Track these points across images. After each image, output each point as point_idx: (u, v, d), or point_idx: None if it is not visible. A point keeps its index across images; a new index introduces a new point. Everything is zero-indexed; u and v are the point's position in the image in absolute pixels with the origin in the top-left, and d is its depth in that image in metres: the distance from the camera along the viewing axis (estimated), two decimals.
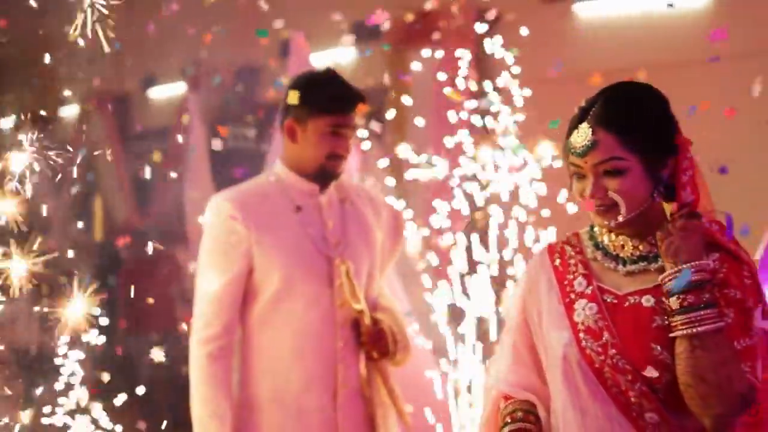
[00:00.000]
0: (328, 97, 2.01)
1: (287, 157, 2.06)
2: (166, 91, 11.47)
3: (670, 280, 1.50)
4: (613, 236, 1.64)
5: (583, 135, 1.56)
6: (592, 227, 1.70)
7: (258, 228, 1.95)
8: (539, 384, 1.68)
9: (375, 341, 2.03)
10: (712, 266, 1.53)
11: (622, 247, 1.62)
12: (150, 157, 9.92)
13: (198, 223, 4.75)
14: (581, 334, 1.56)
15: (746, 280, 1.55)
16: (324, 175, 2.04)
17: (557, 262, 1.68)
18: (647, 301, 1.56)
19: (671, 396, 1.51)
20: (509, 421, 1.65)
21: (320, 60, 9.21)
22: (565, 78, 5.30)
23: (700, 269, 1.48)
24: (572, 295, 1.61)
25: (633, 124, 1.56)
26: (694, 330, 1.44)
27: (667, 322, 1.51)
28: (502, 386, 1.71)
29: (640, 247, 1.61)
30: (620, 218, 1.56)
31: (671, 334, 1.50)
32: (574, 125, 1.60)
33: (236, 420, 2.06)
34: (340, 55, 8.69)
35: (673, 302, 1.48)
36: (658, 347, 1.51)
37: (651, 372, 1.51)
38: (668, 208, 1.61)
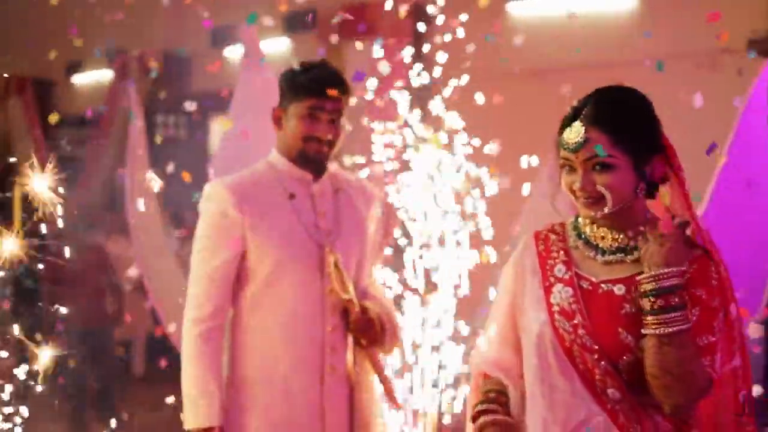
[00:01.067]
0: (302, 81, 2.10)
1: (278, 145, 2.18)
2: (89, 78, 11.16)
3: (645, 282, 1.60)
4: (595, 228, 1.74)
5: (576, 132, 1.65)
6: (576, 218, 1.81)
7: (252, 214, 2.04)
8: (515, 362, 1.80)
9: (363, 329, 2.11)
10: (685, 269, 1.61)
11: (603, 238, 1.72)
12: (75, 143, 9.64)
13: (140, 212, 4.65)
14: (556, 315, 1.68)
15: (713, 281, 1.66)
16: (305, 158, 2.12)
17: (541, 247, 1.79)
18: (619, 289, 1.67)
19: (632, 375, 1.62)
20: (483, 400, 1.77)
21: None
22: (498, 75, 5.39)
23: (672, 275, 1.57)
24: (552, 279, 1.73)
25: (623, 125, 1.65)
26: (664, 331, 1.55)
27: (634, 310, 1.63)
28: (482, 365, 1.84)
29: (619, 239, 1.71)
30: (606, 210, 1.66)
31: (643, 331, 1.60)
32: (566, 123, 1.69)
33: (225, 399, 2.10)
34: (272, 46, 8.61)
35: (646, 303, 1.59)
36: (625, 332, 1.62)
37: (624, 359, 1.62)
38: (666, 196, 1.73)
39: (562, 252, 1.75)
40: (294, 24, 8.10)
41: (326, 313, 2.08)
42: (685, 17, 5.32)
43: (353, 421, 2.14)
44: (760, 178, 3.52)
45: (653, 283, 1.57)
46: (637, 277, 1.63)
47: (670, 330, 1.54)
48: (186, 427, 2.05)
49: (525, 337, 1.75)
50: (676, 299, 1.56)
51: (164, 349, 7.15)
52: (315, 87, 2.06)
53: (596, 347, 1.63)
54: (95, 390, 5.69)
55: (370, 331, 2.11)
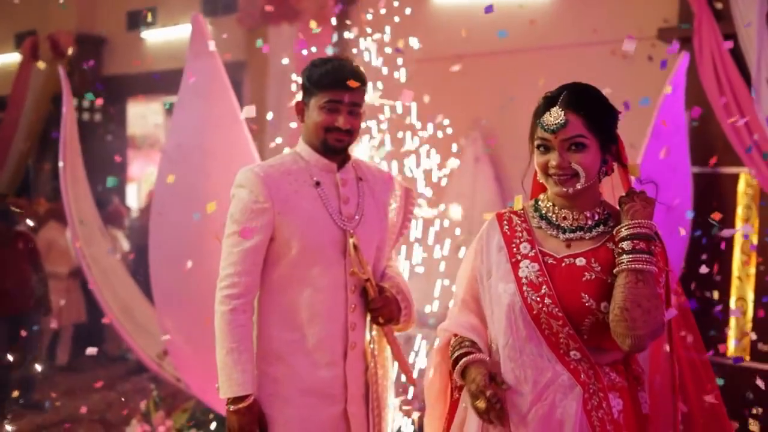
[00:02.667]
0: (320, 75, 2.18)
1: (303, 136, 2.28)
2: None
3: (628, 228, 1.80)
4: (557, 209, 1.92)
5: (555, 115, 1.82)
6: (536, 201, 1.99)
7: (280, 201, 2.15)
8: (481, 327, 1.98)
9: (381, 308, 2.24)
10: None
11: (564, 218, 1.91)
12: None
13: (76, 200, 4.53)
14: (524, 287, 1.86)
15: (657, 249, 1.86)
16: (327, 148, 2.22)
17: (505, 227, 1.97)
18: (580, 261, 1.85)
19: (592, 337, 1.82)
20: (461, 345, 1.93)
21: (172, 34, 8.95)
22: (419, 60, 5.48)
23: (650, 227, 1.81)
24: (518, 256, 1.90)
25: (596, 112, 1.83)
26: (641, 267, 1.75)
27: (594, 277, 1.82)
28: (453, 327, 2.00)
29: (579, 219, 1.89)
30: (578, 186, 1.83)
31: (617, 270, 1.79)
32: (544, 109, 1.86)
33: (256, 370, 2.22)
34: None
35: (626, 245, 1.79)
36: (587, 296, 1.80)
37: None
38: (635, 169, 1.91)
39: (525, 232, 1.93)
40: (214, 7, 7.98)
41: (348, 294, 2.21)
42: (599, 7, 5.53)
43: (369, 393, 2.29)
44: (678, 157, 3.71)
45: (638, 228, 1.78)
46: (617, 229, 1.82)
47: (646, 267, 1.75)
48: (221, 396, 2.15)
49: (495, 307, 1.91)
50: (651, 246, 1.78)
51: (91, 338, 7.02)
52: (332, 80, 2.16)
53: (561, 314, 1.81)
54: (18, 377, 5.56)
55: (387, 310, 2.25)
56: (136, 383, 6.36)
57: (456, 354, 1.90)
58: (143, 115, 10.96)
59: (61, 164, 4.40)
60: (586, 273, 1.81)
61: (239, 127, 3.41)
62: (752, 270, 4.62)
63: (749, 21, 4.37)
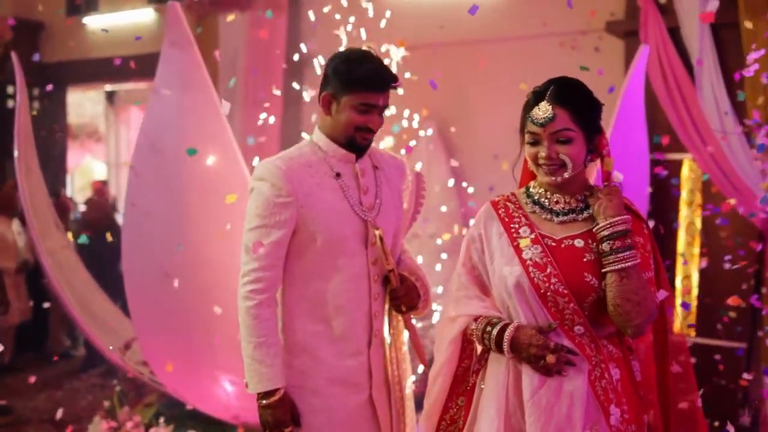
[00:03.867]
0: (363, 76, 2.14)
1: (323, 127, 2.26)
2: None
3: (602, 230, 1.92)
4: (549, 194, 2.04)
5: (544, 110, 1.93)
6: (527, 188, 2.10)
7: (303, 193, 2.14)
8: (495, 306, 2.07)
9: (403, 296, 2.28)
10: (629, 217, 1.95)
11: (557, 202, 2.03)
12: None
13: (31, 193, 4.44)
14: (530, 269, 1.96)
15: (645, 231, 2.03)
16: (352, 145, 2.23)
17: (502, 214, 2.07)
18: (578, 243, 1.97)
19: (594, 312, 1.94)
20: (493, 322, 2.00)
21: (120, 19, 8.77)
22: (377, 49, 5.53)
23: (622, 222, 1.91)
24: (519, 240, 2.01)
25: (581, 105, 1.95)
26: (622, 266, 1.88)
27: (593, 258, 1.94)
28: (474, 311, 2.07)
29: (571, 203, 2.02)
30: (566, 175, 1.96)
31: (603, 270, 1.92)
32: (532, 104, 1.97)
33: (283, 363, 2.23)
34: (139, 16, 8.34)
35: (605, 246, 1.92)
36: (589, 275, 1.92)
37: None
38: (609, 163, 2.03)
39: (522, 217, 2.04)
40: None
41: (371, 283, 2.24)
42: (549, 0, 5.69)
43: (389, 378, 2.34)
44: (639, 145, 3.89)
45: (610, 229, 1.90)
46: (594, 229, 1.95)
47: (628, 265, 1.87)
48: (251, 391, 2.14)
49: (501, 288, 2.01)
50: (628, 240, 1.89)
51: (34, 337, 6.86)
52: (372, 83, 2.14)
53: (566, 291, 1.92)
54: None
55: (408, 298, 2.29)
56: (84, 381, 6.29)
57: (496, 330, 1.97)
58: (80, 104, 10.71)
59: (16, 154, 4.32)
60: (586, 254, 1.94)
61: (219, 117, 3.41)
62: (696, 250, 4.90)
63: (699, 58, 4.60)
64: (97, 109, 10.87)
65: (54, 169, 8.71)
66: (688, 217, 4.99)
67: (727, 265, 4.11)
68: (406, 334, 2.43)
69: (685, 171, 4.99)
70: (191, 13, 7.08)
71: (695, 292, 4.89)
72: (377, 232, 2.19)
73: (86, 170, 11.41)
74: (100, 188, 8.05)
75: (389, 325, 2.31)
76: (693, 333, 4.76)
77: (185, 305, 3.49)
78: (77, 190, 11.00)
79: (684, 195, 4.98)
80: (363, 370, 2.24)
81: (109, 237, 4.50)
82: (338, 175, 2.20)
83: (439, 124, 6.07)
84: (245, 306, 2.13)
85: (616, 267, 1.88)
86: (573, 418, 1.87)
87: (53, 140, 8.73)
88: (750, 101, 4.47)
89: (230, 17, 6.49)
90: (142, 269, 3.53)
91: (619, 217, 1.90)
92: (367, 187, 2.23)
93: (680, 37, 4.90)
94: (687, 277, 4.90)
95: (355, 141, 2.20)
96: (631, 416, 1.94)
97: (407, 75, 4.84)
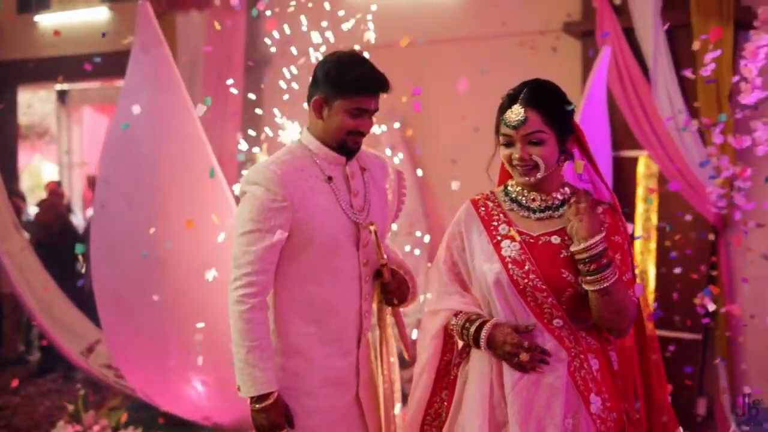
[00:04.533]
0: (355, 80, 2.16)
1: (314, 130, 2.27)
2: None
3: (578, 254, 1.97)
4: (526, 192, 2.11)
5: (516, 113, 2.01)
6: (506, 187, 2.17)
7: (297, 197, 2.15)
8: (475, 302, 2.15)
9: (395, 290, 2.33)
10: (604, 228, 2.00)
11: (533, 200, 2.11)
12: None
13: None
14: (509, 265, 2.03)
15: (622, 227, 2.10)
16: (344, 148, 2.25)
17: (482, 212, 2.15)
18: (555, 239, 2.05)
19: (572, 306, 2.02)
20: (472, 319, 2.07)
21: (72, 18, 8.61)
22: (331, 50, 5.55)
23: (597, 243, 1.95)
24: (498, 237, 2.08)
25: (552, 108, 2.02)
26: (600, 286, 1.95)
27: (570, 254, 2.00)
28: (455, 306, 2.14)
29: (547, 200, 2.10)
30: (539, 175, 2.03)
31: (584, 287, 1.98)
32: (506, 106, 2.04)
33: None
34: (93, 14, 8.20)
35: (582, 268, 1.97)
36: (566, 271, 2.00)
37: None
38: (579, 165, 2.11)
39: (501, 215, 2.11)
40: None
41: (362, 284, 2.26)
42: (507, 1, 5.80)
43: (374, 375, 2.37)
44: (602, 144, 3.98)
45: (585, 253, 1.95)
46: (571, 250, 1.99)
47: (606, 284, 1.94)
48: (243, 395, 2.13)
49: (482, 284, 2.08)
50: (604, 260, 1.95)
51: None
52: (365, 87, 2.15)
53: (544, 287, 2.00)
54: None
55: (400, 291, 2.34)
56: (41, 386, 6.17)
57: (474, 327, 2.04)
58: (30, 104, 10.48)
59: None
60: (563, 251, 2.00)
61: (191, 118, 3.39)
62: (653, 245, 5.04)
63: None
64: (48, 109, 10.65)
65: (10, 170, 8.54)
66: (644, 214, 5.13)
67: (678, 268, 4.28)
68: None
69: (641, 168, 5.13)
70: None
71: (652, 286, 5.03)
72: (372, 228, 2.22)
73: (35, 171, 11.17)
74: (54, 189, 7.90)
75: (379, 318, 2.36)
76: (651, 325, 4.89)
77: (156, 307, 3.48)
78: (26, 190, 10.77)
79: (640, 192, 5.12)
80: (351, 370, 2.27)
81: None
82: (330, 178, 2.21)
83: (400, 124, 6.12)
84: (238, 310, 2.12)
85: (595, 287, 1.94)
86: (553, 408, 1.95)
87: (6, 140, 8.54)
88: (703, 100, 4.64)
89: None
90: (111, 271, 3.50)
91: (593, 240, 1.94)
92: (357, 189, 2.26)
93: (635, 38, 5.05)
94: (644, 271, 5.04)
95: (347, 144, 2.22)
96: (613, 404, 2.02)
97: None
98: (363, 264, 2.24)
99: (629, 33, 5.11)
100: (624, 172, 5.15)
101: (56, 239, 6.64)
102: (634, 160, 5.16)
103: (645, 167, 5.13)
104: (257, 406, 2.12)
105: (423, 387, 2.21)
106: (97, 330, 4.76)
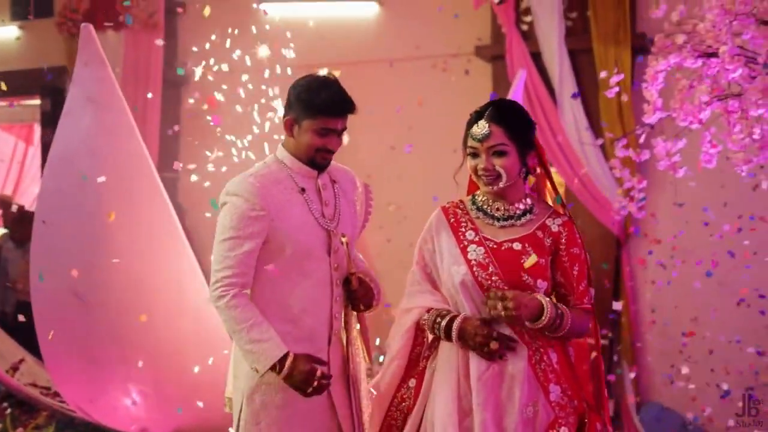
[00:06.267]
0: (321, 103, 2.34)
1: (288, 146, 2.47)
2: None
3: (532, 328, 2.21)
4: (491, 202, 2.32)
5: (482, 127, 2.23)
6: (473, 196, 2.38)
7: (273, 208, 2.34)
8: (445, 300, 2.34)
9: (363, 296, 2.48)
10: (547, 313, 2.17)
11: (498, 209, 2.31)
12: None
13: None
14: (474, 268, 2.24)
15: (578, 237, 2.31)
16: (313, 164, 2.44)
17: (452, 219, 2.35)
18: (516, 246, 2.25)
19: None
20: (442, 315, 2.27)
21: None
22: (253, 69, 5.67)
23: (541, 322, 2.16)
24: (465, 242, 2.29)
25: (515, 123, 2.25)
26: (559, 334, 2.21)
27: (530, 259, 2.22)
28: (427, 303, 2.34)
29: (510, 210, 2.30)
30: (501, 184, 2.24)
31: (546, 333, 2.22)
32: (472, 122, 2.27)
33: None
34: (2, 33, 8.01)
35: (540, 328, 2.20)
36: (526, 275, 2.22)
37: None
38: (531, 180, 2.36)
39: (468, 222, 2.32)
40: (25, 11, 7.61)
41: (333, 287, 2.43)
42: (421, 25, 6.06)
43: (348, 372, 2.50)
44: None
45: (539, 329, 2.18)
46: (528, 326, 2.19)
47: (561, 334, 2.21)
48: (262, 370, 2.26)
49: (450, 285, 2.28)
50: (557, 321, 2.17)
51: None
52: (330, 109, 2.33)
53: (506, 288, 2.20)
54: None
55: (368, 297, 2.49)
56: None
57: (445, 321, 2.22)
58: None
59: None
60: (523, 256, 2.21)
61: (134, 135, 3.53)
62: None
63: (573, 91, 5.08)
64: None
65: None
66: None
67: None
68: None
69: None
70: (62, 31, 6.95)
71: None
72: (344, 239, 2.42)
73: None
74: None
75: (346, 323, 2.53)
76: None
77: (96, 320, 3.56)
78: None
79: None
80: (322, 368, 2.40)
81: None
82: (303, 190, 2.41)
83: None
84: (222, 304, 2.29)
85: (555, 335, 2.20)
86: (513, 396, 2.16)
87: None
88: (605, 118, 5.01)
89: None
90: (51, 285, 3.54)
91: (536, 322, 2.15)
92: (328, 200, 2.45)
93: (542, 62, 5.39)
94: None
95: (315, 161, 2.42)
96: (573, 393, 2.24)
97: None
98: (334, 268, 2.42)
99: (536, 57, 5.46)
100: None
101: None
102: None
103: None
104: (282, 373, 2.26)
105: (393, 372, 2.38)
106: (21, 349, 4.78)
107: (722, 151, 3.17)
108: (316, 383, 2.27)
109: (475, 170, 2.25)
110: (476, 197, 2.35)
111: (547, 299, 2.17)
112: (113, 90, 3.53)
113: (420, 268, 2.38)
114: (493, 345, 2.15)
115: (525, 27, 5.55)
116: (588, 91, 5.27)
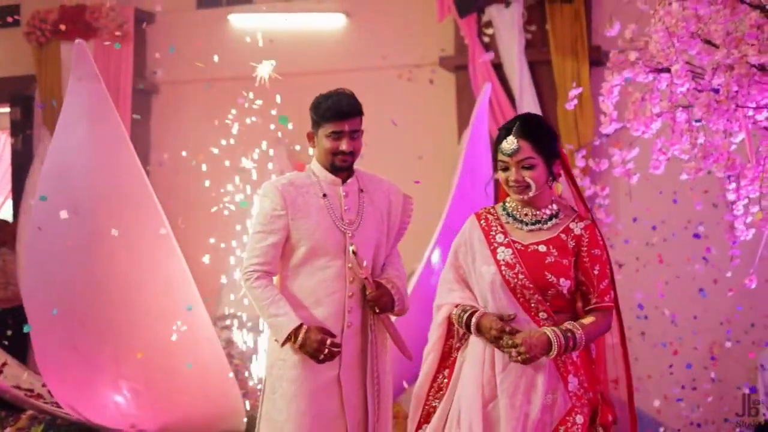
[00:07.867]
0: (326, 110, 2.69)
1: (316, 157, 2.82)
2: None
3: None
4: (520, 208, 2.52)
5: (510, 143, 2.43)
6: (504, 203, 2.57)
7: (294, 210, 2.70)
8: (474, 298, 2.55)
9: (375, 300, 2.75)
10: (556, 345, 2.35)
11: (526, 215, 2.51)
12: None
13: None
14: (503, 268, 2.45)
15: (600, 240, 2.52)
16: (335, 167, 2.76)
17: (483, 223, 2.56)
18: (542, 248, 2.46)
19: (554, 302, 2.45)
20: (466, 310, 2.48)
21: None
22: (218, 79, 5.81)
23: (552, 354, 2.35)
24: (495, 244, 2.50)
25: (540, 137, 2.45)
26: (577, 351, 2.42)
27: (553, 260, 2.42)
28: (456, 300, 2.56)
29: (537, 215, 2.50)
30: (531, 194, 2.45)
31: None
32: (501, 138, 2.47)
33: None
34: None
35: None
36: (549, 274, 2.42)
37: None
38: (558, 187, 2.52)
39: (499, 226, 2.52)
40: None
41: (347, 283, 2.73)
42: (387, 36, 6.28)
43: (366, 365, 2.77)
44: (484, 173, 4.42)
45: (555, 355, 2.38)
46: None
47: (579, 350, 2.41)
48: (281, 339, 2.61)
49: (479, 284, 2.50)
50: (569, 344, 2.35)
51: None
52: (333, 114, 2.66)
53: (531, 286, 2.42)
54: None
55: (381, 302, 2.75)
56: None
57: (466, 316, 2.45)
58: None
59: None
60: (547, 257, 2.43)
61: (125, 145, 3.72)
62: None
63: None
64: None
65: None
66: None
67: None
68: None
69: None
70: (31, 40, 6.99)
71: None
72: (351, 248, 2.69)
73: None
74: None
75: (371, 321, 2.79)
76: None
77: (89, 321, 3.73)
78: None
79: None
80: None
81: None
82: (325, 195, 2.75)
83: (288, 152, 6.42)
84: (248, 285, 2.69)
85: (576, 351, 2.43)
86: (537, 384, 2.39)
87: None
88: (563, 130, 5.29)
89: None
90: (44, 288, 3.71)
91: (550, 355, 2.35)
92: (350, 206, 2.76)
93: (503, 72, 5.65)
94: None
95: (336, 164, 2.75)
96: (589, 386, 2.47)
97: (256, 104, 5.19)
98: (348, 267, 2.72)
99: (498, 68, 5.72)
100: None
101: None
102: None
103: None
104: (297, 342, 2.61)
105: (430, 364, 2.61)
106: (3, 353, 4.91)
107: (671, 159, 3.44)
108: (327, 351, 2.60)
109: (506, 181, 2.46)
110: (507, 204, 2.56)
111: (554, 330, 2.36)
112: (107, 103, 3.69)
113: (453, 269, 2.60)
114: (507, 340, 2.35)
115: (487, 39, 5.81)
116: (547, 102, 5.56)
